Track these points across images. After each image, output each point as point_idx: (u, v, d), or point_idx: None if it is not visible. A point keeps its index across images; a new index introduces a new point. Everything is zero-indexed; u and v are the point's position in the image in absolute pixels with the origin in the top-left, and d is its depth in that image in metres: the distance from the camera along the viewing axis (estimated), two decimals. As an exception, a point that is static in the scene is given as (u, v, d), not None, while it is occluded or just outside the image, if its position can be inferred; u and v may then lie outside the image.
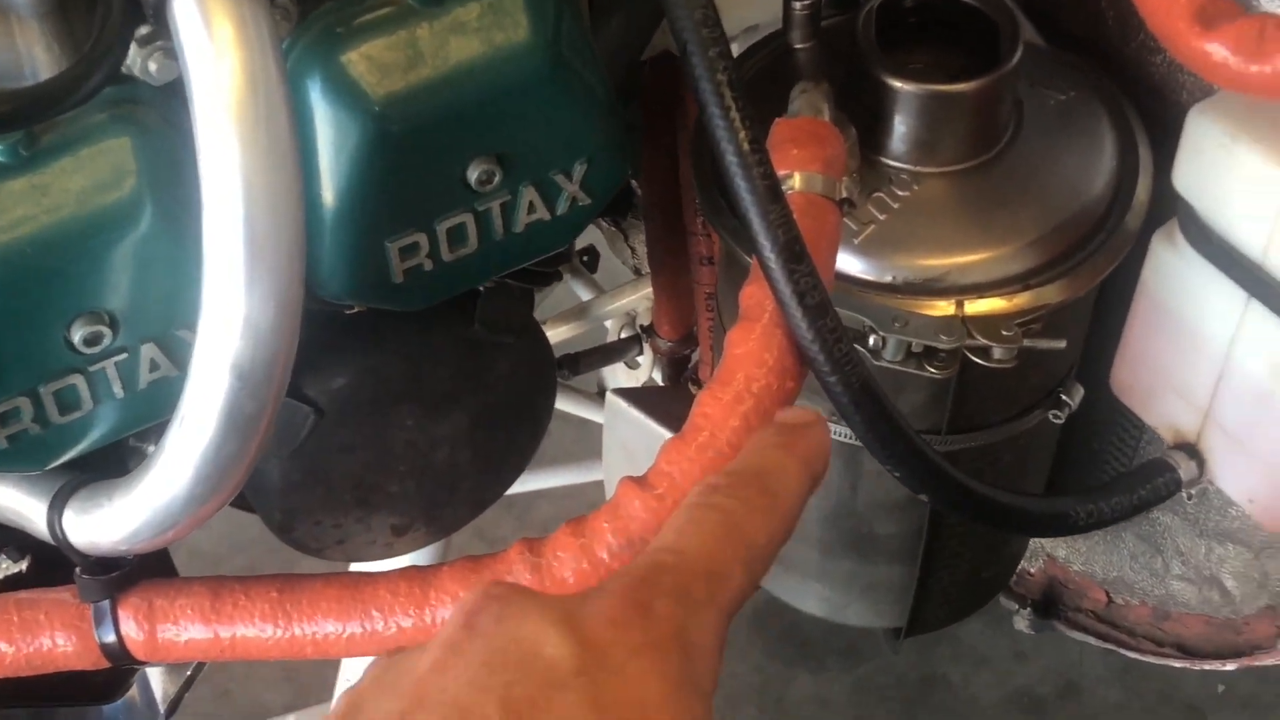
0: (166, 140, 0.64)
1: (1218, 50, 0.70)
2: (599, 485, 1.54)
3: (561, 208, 0.74)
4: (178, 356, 0.67)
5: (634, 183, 1.22)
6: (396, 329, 0.87)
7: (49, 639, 0.72)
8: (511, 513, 1.90)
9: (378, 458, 0.95)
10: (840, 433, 0.91)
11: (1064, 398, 0.92)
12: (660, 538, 0.45)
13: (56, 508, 0.71)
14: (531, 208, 0.73)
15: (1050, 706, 1.87)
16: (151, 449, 0.75)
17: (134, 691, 1.01)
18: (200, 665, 1.00)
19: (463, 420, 0.97)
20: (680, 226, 1.19)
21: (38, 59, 0.62)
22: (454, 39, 0.67)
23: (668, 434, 1.21)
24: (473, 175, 0.71)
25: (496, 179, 0.71)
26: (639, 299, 1.30)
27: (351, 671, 1.27)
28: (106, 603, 0.71)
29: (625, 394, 1.24)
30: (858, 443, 0.90)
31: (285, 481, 0.90)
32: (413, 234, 0.71)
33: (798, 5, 0.85)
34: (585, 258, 1.35)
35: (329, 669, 1.32)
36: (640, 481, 0.70)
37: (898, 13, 0.87)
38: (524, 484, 1.08)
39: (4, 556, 0.79)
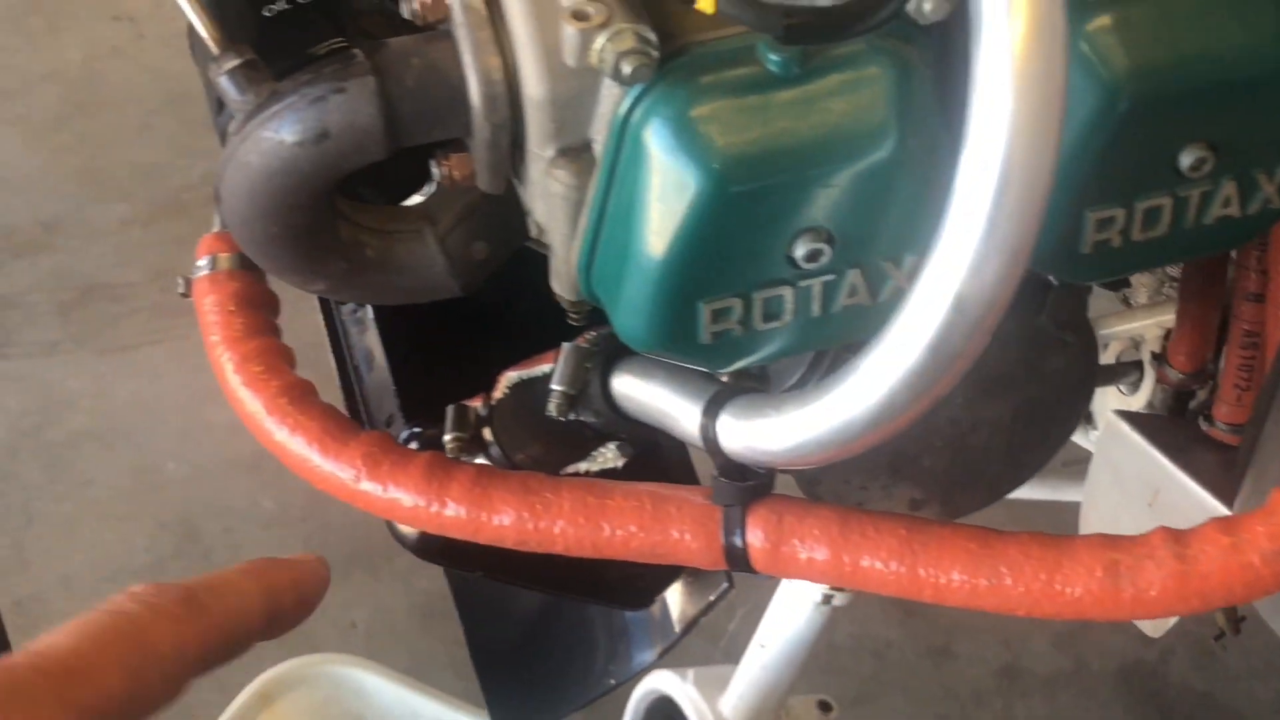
0: (918, 77, 0.66)
1: None
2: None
3: (1253, 207, 0.73)
4: (874, 286, 0.69)
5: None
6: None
7: (677, 532, 0.75)
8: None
9: (921, 428, 0.96)
10: None
11: None
12: (35, 641, 0.42)
13: (712, 412, 0.73)
14: (1227, 202, 0.72)
15: None
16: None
17: (655, 605, 1.04)
18: (725, 593, 1.03)
19: (1006, 408, 0.97)
20: (1223, 257, 1.16)
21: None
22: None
23: (1168, 463, 1.17)
24: (1185, 161, 0.70)
25: (1207, 167, 0.70)
26: (1150, 325, 1.27)
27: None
28: (739, 509, 0.74)
29: (1129, 417, 1.21)
30: None
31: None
32: (1113, 209, 0.71)
33: None
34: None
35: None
36: (1306, 492, 0.68)
37: None
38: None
39: (615, 448, 0.82)
